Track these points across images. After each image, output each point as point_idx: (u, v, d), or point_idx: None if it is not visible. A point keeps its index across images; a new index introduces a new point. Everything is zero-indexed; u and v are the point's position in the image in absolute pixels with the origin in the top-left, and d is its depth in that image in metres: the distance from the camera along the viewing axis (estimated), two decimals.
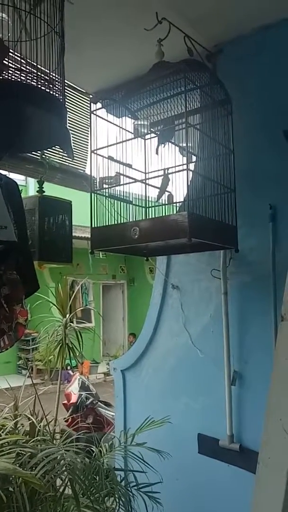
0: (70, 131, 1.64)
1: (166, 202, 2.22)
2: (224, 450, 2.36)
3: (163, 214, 2.28)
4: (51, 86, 1.40)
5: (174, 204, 2.19)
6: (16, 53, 1.41)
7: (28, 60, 1.39)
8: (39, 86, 1.37)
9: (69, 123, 3.18)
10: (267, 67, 2.32)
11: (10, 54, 1.39)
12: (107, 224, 2.10)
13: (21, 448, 2.03)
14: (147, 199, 2.33)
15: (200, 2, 2.06)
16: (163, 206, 2.29)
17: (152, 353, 2.84)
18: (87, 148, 3.31)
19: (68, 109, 1.55)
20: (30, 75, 1.36)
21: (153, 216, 2.29)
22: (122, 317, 14.24)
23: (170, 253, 2.66)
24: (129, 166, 2.22)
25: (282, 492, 1.43)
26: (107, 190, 2.16)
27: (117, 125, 2.21)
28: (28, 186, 10.12)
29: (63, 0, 1.46)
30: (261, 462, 1.55)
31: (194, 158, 2.09)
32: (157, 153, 2.21)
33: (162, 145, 2.21)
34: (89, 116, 2.15)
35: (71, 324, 3.26)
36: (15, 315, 1.70)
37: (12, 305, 1.68)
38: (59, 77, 1.43)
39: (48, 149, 2.77)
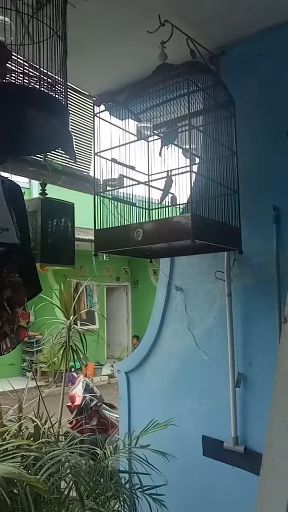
0: (73, 134, 1.64)
1: (170, 204, 2.22)
2: (228, 452, 2.36)
3: (167, 216, 2.28)
4: (53, 89, 1.41)
5: (178, 206, 2.19)
6: (19, 57, 1.42)
7: (31, 64, 1.40)
8: (42, 89, 1.38)
9: (72, 125, 3.20)
10: (270, 69, 2.32)
11: (13, 57, 1.39)
12: (110, 226, 2.10)
13: (25, 452, 2.03)
14: (151, 201, 2.34)
15: (203, 5, 2.07)
16: (167, 208, 2.29)
17: (156, 355, 2.84)
18: (91, 150, 3.32)
19: (71, 112, 1.55)
20: (33, 78, 1.36)
21: (157, 218, 2.29)
22: (126, 319, 14.24)
23: (174, 255, 2.65)
24: (133, 168, 2.22)
25: (286, 494, 1.43)
26: (110, 192, 2.16)
27: (120, 128, 2.22)
28: (31, 188, 10.13)
29: (65, 4, 1.47)
30: (265, 464, 1.54)
31: (197, 160, 2.09)
32: (160, 155, 2.21)
33: (165, 147, 2.21)
34: (92, 119, 2.15)
35: (75, 326, 3.26)
36: (17, 317, 1.70)
37: (14, 307, 1.68)
38: (61, 80, 1.44)
39: (51, 152, 2.77)
